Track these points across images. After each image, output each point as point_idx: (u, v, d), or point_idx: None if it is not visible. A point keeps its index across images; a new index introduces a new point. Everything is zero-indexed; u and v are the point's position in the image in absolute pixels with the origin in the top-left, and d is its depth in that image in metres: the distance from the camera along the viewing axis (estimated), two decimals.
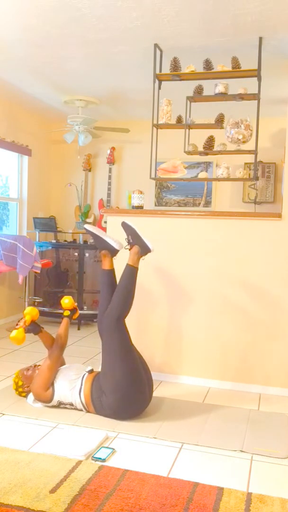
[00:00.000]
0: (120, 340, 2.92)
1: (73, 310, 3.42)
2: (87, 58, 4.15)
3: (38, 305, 5.66)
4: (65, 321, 3.33)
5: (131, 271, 3.06)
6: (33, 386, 3.03)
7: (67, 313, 3.38)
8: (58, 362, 3.07)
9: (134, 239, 3.13)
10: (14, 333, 2.91)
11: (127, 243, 3.19)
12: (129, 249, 3.15)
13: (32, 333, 3.03)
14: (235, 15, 3.26)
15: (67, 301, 3.39)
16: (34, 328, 3.03)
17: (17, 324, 3.05)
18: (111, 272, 3.19)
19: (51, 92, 5.17)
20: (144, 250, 3.11)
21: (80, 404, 2.97)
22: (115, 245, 3.14)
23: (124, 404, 2.85)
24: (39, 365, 3.22)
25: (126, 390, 2.83)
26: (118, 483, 2.19)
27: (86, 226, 3.22)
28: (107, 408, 2.88)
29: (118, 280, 3.16)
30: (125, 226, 3.19)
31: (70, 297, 3.42)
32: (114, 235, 3.72)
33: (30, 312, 3.05)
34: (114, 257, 3.21)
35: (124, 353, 2.89)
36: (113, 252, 3.18)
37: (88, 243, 5.94)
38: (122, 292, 3.02)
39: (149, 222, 3.75)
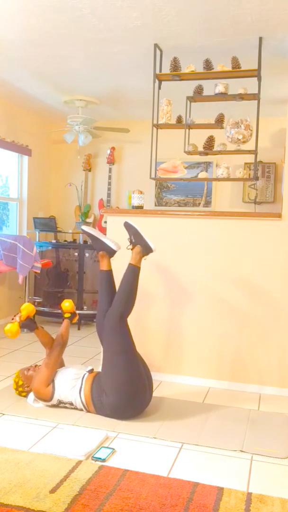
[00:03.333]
0: (122, 340, 2.93)
1: (73, 314, 3.45)
2: (87, 58, 4.15)
3: (38, 305, 5.66)
4: (66, 321, 3.37)
5: (134, 270, 3.07)
6: (33, 383, 3.04)
7: (67, 315, 3.43)
8: (58, 360, 3.07)
9: (137, 239, 3.14)
10: (8, 326, 2.98)
11: (129, 243, 3.20)
12: (131, 249, 3.16)
13: (28, 329, 3.07)
14: (235, 15, 3.26)
15: (67, 304, 3.44)
16: (29, 324, 3.08)
17: (12, 318, 3.11)
18: (110, 273, 3.20)
19: (51, 92, 5.17)
20: (146, 250, 3.12)
21: (80, 404, 2.97)
22: (112, 246, 3.15)
23: (125, 404, 2.85)
24: (39, 365, 3.22)
25: (127, 389, 2.84)
26: (118, 483, 2.19)
27: (83, 227, 3.21)
28: (108, 407, 2.88)
29: (117, 281, 3.18)
30: (127, 226, 3.21)
31: (71, 300, 3.48)
32: (115, 235, 3.72)
33: (26, 308, 3.09)
34: (112, 258, 3.22)
35: (126, 353, 2.90)
36: (111, 252, 3.19)
37: (88, 243, 5.94)
38: (125, 290, 3.03)
39: (149, 222, 3.75)
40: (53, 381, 3.02)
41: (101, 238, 3.17)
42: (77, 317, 3.52)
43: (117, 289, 3.10)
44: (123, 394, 2.84)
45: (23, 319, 3.06)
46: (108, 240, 3.17)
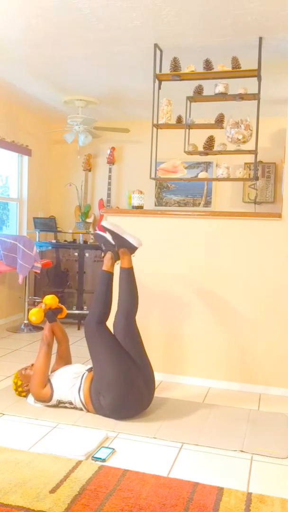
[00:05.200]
0: (103, 344, 2.93)
1: (57, 309, 3.30)
2: (87, 58, 4.15)
3: (38, 305, 5.66)
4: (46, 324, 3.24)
5: (103, 276, 3.08)
6: (31, 386, 3.05)
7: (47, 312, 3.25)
8: (45, 362, 3.07)
9: (117, 241, 3.09)
10: (34, 310, 3.15)
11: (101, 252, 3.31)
12: (103, 257, 3.18)
13: (48, 319, 3.19)
14: (235, 15, 3.26)
15: (34, 318, 3.16)
16: (51, 315, 3.20)
17: (37, 305, 3.22)
18: (111, 275, 3.12)
19: (51, 92, 5.17)
20: (131, 249, 3.09)
21: (80, 403, 2.97)
22: (133, 242, 3.05)
23: (122, 403, 2.85)
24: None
25: (120, 389, 2.83)
26: (118, 483, 2.19)
27: (103, 222, 3.09)
28: (106, 408, 2.88)
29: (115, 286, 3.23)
30: (97, 236, 3.19)
31: (38, 309, 3.19)
32: None
33: (50, 299, 3.24)
34: (133, 255, 3.13)
35: (110, 356, 2.88)
36: (132, 249, 3.08)
37: (88, 243, 5.94)
38: (96, 296, 3.06)
39: (149, 222, 3.75)
40: (50, 382, 3.02)
41: (121, 234, 3.05)
42: (64, 313, 3.35)
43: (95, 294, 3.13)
44: (117, 394, 2.83)
45: (46, 308, 3.20)
46: (129, 235, 3.04)
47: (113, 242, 3.10)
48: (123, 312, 3.10)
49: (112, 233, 3.08)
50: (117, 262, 3.13)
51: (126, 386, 2.84)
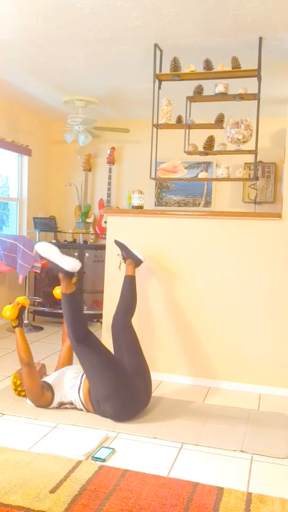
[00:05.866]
0: (89, 358, 2.86)
1: (19, 318, 3.09)
2: (87, 58, 4.15)
3: (38, 305, 5.66)
4: (16, 331, 3.04)
5: (65, 299, 2.93)
6: (29, 398, 3.01)
7: (14, 323, 3.07)
8: (32, 377, 2.92)
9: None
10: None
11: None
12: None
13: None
14: (235, 15, 3.26)
15: (8, 313, 3.03)
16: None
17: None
18: (133, 278, 3.43)
19: (51, 92, 5.17)
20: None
21: (80, 404, 2.97)
22: (141, 257, 3.53)
23: (121, 409, 2.85)
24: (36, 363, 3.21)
25: (118, 398, 2.83)
26: (118, 483, 2.19)
27: (117, 238, 3.59)
28: (107, 414, 2.89)
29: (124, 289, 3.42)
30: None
31: (12, 305, 3.06)
32: (115, 235, 3.74)
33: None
34: (137, 268, 3.54)
35: (101, 368, 2.84)
36: (138, 262, 3.53)
37: (88, 243, 5.95)
38: (66, 317, 2.93)
39: (149, 222, 3.75)
40: (49, 385, 3.00)
41: (131, 250, 3.53)
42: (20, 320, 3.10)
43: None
44: (115, 403, 2.83)
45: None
46: (137, 252, 3.54)
47: (132, 251, 3.54)
48: (124, 311, 3.29)
49: (124, 247, 3.55)
50: (138, 267, 3.54)
51: (124, 393, 2.84)
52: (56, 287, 3.33)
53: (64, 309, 2.94)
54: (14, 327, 3.05)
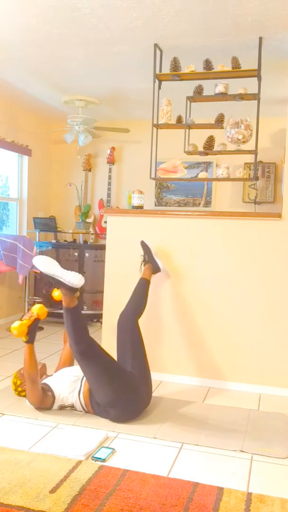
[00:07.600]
0: (91, 369, 2.82)
1: (30, 334, 2.91)
2: (87, 58, 4.15)
3: (26, 315, 5.63)
4: (25, 348, 2.91)
5: (67, 312, 2.85)
6: (30, 403, 2.99)
7: (24, 338, 2.90)
8: (35, 392, 2.89)
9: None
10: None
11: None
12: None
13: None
14: (235, 15, 3.26)
15: (15, 332, 2.85)
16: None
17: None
18: (148, 282, 3.45)
19: (51, 92, 5.17)
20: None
21: (80, 407, 2.97)
22: (161, 266, 3.58)
23: (123, 414, 2.86)
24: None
25: (121, 403, 2.83)
26: (118, 483, 2.19)
27: (143, 240, 3.59)
28: (108, 416, 2.89)
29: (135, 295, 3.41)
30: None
31: (20, 324, 2.87)
32: (114, 235, 3.74)
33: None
34: (154, 275, 3.57)
35: (103, 377, 2.81)
36: (157, 270, 3.57)
37: (88, 243, 5.94)
38: (68, 330, 2.86)
39: (149, 222, 3.75)
40: (50, 388, 3.00)
41: (154, 257, 3.59)
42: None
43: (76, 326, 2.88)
44: (118, 409, 2.83)
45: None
46: (160, 261, 3.59)
47: (154, 257, 3.58)
48: (133, 309, 3.26)
49: (148, 251, 3.58)
50: (154, 274, 3.58)
51: (126, 400, 2.84)
52: (55, 289, 3.25)
53: (66, 322, 2.85)
54: (25, 342, 2.90)
